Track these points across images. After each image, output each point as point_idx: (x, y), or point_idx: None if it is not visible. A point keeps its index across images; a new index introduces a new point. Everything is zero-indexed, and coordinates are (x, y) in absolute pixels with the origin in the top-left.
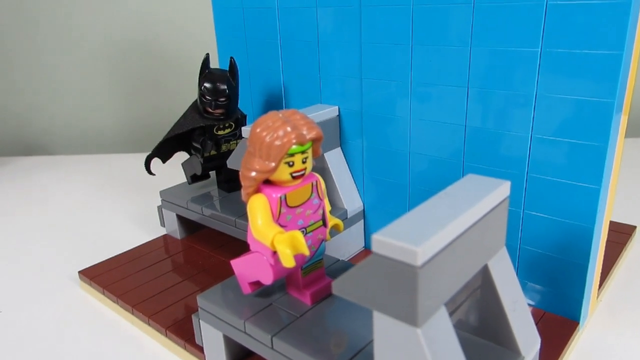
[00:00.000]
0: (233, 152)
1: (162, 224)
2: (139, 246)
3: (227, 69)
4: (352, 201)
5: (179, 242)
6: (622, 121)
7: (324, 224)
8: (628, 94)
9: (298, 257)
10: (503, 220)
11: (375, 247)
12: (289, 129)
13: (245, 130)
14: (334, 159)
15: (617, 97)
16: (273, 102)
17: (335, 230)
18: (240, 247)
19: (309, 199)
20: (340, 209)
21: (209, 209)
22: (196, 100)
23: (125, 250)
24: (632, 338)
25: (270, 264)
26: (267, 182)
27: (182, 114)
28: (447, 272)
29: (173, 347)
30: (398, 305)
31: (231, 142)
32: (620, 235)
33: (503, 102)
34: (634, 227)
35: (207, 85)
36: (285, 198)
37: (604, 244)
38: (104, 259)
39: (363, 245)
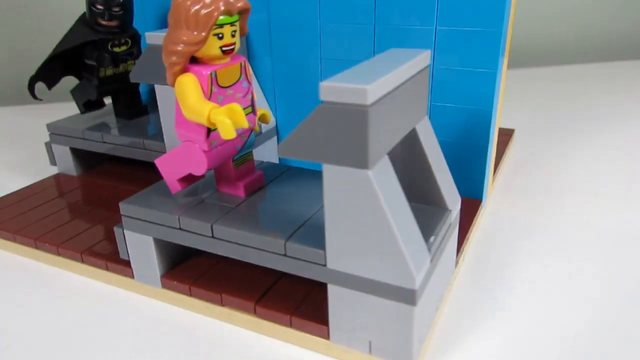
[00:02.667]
0: (136, 64)
1: (53, 162)
2: (26, 187)
3: None
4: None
5: (76, 179)
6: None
7: (253, 111)
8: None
9: (228, 146)
10: (426, 87)
11: (323, 95)
12: None
13: (152, 36)
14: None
15: None
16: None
17: (262, 122)
18: (150, 174)
19: (238, 80)
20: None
21: (111, 135)
22: (84, 14)
23: (9, 192)
24: (522, 211)
25: (204, 150)
26: (194, 62)
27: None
28: (389, 118)
29: (92, 272)
30: (349, 151)
31: (129, 62)
32: (503, 137)
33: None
34: (513, 130)
35: None
36: (216, 75)
37: (497, 137)
38: None
39: (278, 162)
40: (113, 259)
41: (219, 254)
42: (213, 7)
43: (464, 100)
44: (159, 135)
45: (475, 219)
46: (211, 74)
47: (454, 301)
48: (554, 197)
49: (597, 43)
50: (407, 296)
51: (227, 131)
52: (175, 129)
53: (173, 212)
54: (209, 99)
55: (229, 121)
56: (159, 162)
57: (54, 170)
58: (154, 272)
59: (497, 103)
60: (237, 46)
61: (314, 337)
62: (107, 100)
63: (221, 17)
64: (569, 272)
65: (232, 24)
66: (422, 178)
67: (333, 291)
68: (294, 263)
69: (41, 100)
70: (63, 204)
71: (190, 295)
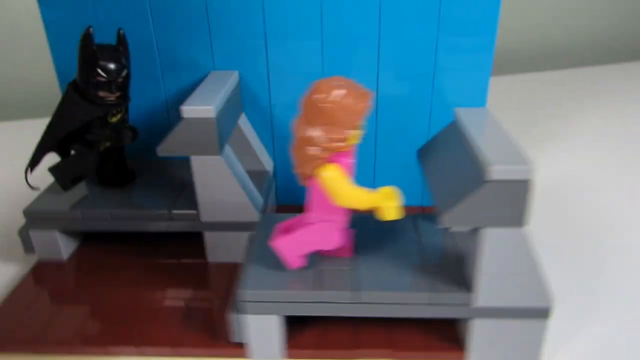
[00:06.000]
0: (168, 138)
1: (31, 249)
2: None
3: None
4: (266, 161)
5: (68, 265)
6: None
7: None
8: None
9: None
10: None
11: (493, 176)
12: (362, 93)
13: (191, 110)
14: (243, 124)
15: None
16: (152, 79)
17: None
18: (175, 241)
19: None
20: (265, 172)
21: (124, 209)
22: (72, 85)
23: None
24: None
25: (338, 230)
26: None
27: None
28: None
29: None
30: (508, 215)
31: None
32: None
33: (413, 73)
34: None
35: (104, 63)
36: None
37: None
38: None
39: (275, 202)
40: (215, 343)
41: (359, 316)
42: (363, 106)
43: None
44: (177, 202)
45: None
46: (352, 162)
47: None
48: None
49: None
50: (544, 313)
51: (394, 214)
52: (310, 212)
53: (306, 287)
54: None
55: (396, 204)
56: (280, 244)
57: (24, 259)
58: (274, 346)
59: None
60: None
61: None
62: None
63: None
64: None
65: None
66: None
67: (475, 324)
68: (438, 309)
69: (38, 189)
70: (83, 298)
71: (321, 357)
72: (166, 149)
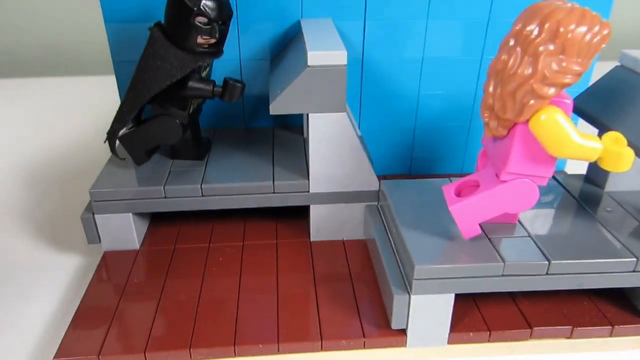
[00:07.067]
0: (285, 93)
1: (95, 239)
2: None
3: None
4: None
5: (149, 252)
6: None
7: None
8: None
9: None
10: None
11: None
12: (602, 20)
13: (318, 56)
14: None
15: None
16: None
17: None
18: (266, 222)
19: None
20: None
21: (217, 183)
22: (160, 29)
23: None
24: None
25: (537, 187)
26: None
27: None
28: None
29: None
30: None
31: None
32: None
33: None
34: None
35: (209, 3)
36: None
37: None
38: None
39: None
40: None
41: (551, 289)
42: (606, 32)
43: None
44: (276, 173)
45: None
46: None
47: None
48: None
49: None
50: None
51: (628, 163)
52: (508, 168)
53: (488, 260)
54: None
55: (629, 151)
56: (458, 208)
57: (84, 250)
58: (442, 330)
59: None
60: None
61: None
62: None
63: None
64: None
65: None
66: None
67: None
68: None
69: (125, 159)
70: (189, 294)
71: (489, 340)
72: (282, 105)
